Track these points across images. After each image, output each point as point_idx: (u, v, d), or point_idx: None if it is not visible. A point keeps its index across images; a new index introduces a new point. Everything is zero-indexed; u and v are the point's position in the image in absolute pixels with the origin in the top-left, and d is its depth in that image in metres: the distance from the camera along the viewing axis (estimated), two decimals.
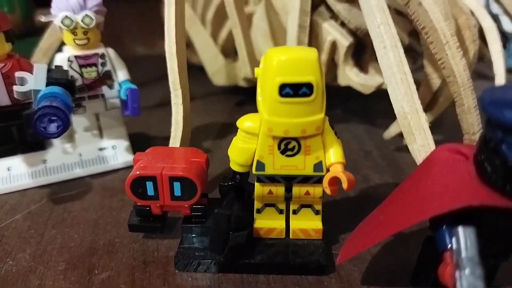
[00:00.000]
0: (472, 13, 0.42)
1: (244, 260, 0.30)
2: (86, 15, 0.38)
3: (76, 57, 0.40)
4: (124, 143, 0.43)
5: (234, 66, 0.55)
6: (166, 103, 0.42)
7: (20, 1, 0.66)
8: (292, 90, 0.26)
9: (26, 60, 0.39)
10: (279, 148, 0.28)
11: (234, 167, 0.30)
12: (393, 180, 0.41)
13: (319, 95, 0.27)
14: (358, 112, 0.56)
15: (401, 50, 0.31)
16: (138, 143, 0.45)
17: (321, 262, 0.29)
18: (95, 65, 0.40)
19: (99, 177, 0.42)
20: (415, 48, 0.47)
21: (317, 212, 0.31)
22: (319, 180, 0.29)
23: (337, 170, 0.28)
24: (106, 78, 0.41)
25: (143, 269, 0.30)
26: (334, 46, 0.45)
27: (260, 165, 0.29)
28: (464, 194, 0.22)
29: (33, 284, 0.29)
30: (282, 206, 0.31)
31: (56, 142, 0.42)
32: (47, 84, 0.34)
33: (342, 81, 0.46)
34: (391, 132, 0.45)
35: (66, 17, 0.38)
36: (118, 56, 0.42)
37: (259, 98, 0.28)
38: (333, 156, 0.29)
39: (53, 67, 0.37)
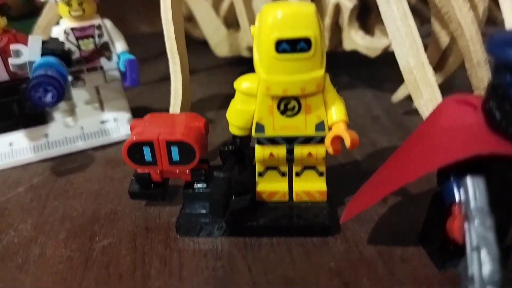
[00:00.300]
0: None
1: (247, 223, 0.29)
2: None
3: (73, 29, 0.39)
4: (125, 115, 0.43)
5: (237, 37, 0.54)
6: (168, 79, 0.41)
7: None
8: (289, 45, 0.25)
9: (22, 34, 0.38)
10: (278, 108, 0.27)
11: (234, 130, 0.29)
12: (401, 143, 0.39)
13: (318, 51, 0.25)
14: (365, 79, 0.54)
15: (405, 3, 0.29)
16: (140, 115, 0.43)
17: (326, 223, 0.29)
18: (92, 36, 0.40)
19: (101, 150, 0.41)
20: (422, 11, 0.45)
21: (320, 174, 0.30)
22: (321, 141, 0.28)
23: (340, 129, 0.27)
24: (104, 49, 0.40)
25: (145, 235, 0.30)
26: (337, 9, 0.43)
27: (260, 127, 0.28)
28: (472, 143, 0.21)
29: (34, 253, 0.29)
30: (285, 168, 0.30)
31: (57, 116, 0.42)
32: (42, 55, 0.34)
33: (347, 45, 0.45)
34: (399, 95, 0.43)
35: None
36: (115, 27, 0.41)
37: (255, 56, 0.27)
38: (335, 114, 0.28)
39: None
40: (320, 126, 0.28)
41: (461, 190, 0.22)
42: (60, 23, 0.40)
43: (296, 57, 0.25)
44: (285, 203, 0.31)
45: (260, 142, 0.29)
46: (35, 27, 0.50)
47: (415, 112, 0.44)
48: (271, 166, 0.30)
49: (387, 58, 0.44)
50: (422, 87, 0.28)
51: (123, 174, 0.37)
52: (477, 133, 0.22)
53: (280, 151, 0.29)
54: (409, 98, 0.44)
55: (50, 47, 0.35)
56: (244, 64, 0.59)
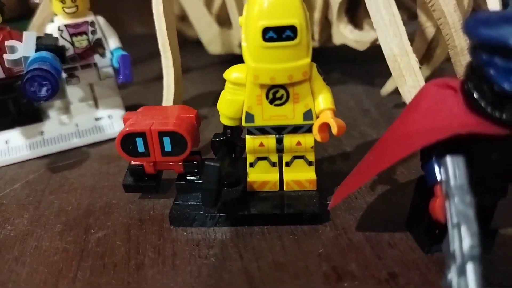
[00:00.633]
0: None
1: (238, 213, 0.30)
2: None
3: (66, 26, 0.40)
4: (119, 112, 0.44)
5: (229, 34, 0.54)
6: (161, 78, 0.42)
7: None
8: (276, 34, 0.26)
9: (17, 32, 0.39)
10: (267, 97, 0.28)
11: (224, 121, 0.30)
12: None
13: (303, 39, 0.26)
14: (357, 74, 0.55)
15: None
16: None
17: (315, 211, 0.29)
18: (86, 33, 0.40)
19: (96, 146, 0.42)
20: (410, 8, 0.46)
21: (310, 163, 0.31)
22: (310, 129, 0.29)
23: (327, 117, 0.28)
24: (97, 46, 0.41)
25: (139, 227, 0.30)
26: (326, 3, 0.44)
27: (250, 117, 0.29)
28: (452, 123, 0.22)
29: (30, 246, 0.29)
30: (275, 158, 0.31)
31: (52, 114, 0.42)
32: (37, 51, 0.35)
33: (337, 40, 0.46)
34: (387, 88, 0.44)
35: None
36: (108, 24, 0.41)
37: (243, 44, 0.27)
38: (322, 102, 0.28)
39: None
40: (308, 114, 0.29)
41: (442, 169, 0.22)
42: (54, 20, 0.41)
43: (282, 45, 0.26)
44: (275, 193, 0.31)
45: (250, 132, 0.30)
46: (30, 26, 0.51)
47: (404, 104, 0.45)
48: (261, 157, 0.31)
49: (378, 53, 0.45)
50: (406, 74, 0.29)
51: (118, 169, 0.38)
52: (457, 113, 0.22)
53: (270, 140, 0.30)
54: (398, 92, 0.45)
55: (44, 43, 0.36)
56: (237, 62, 0.59)
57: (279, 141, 0.30)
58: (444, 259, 0.21)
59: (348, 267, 0.26)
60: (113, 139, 0.42)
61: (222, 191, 0.30)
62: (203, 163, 0.31)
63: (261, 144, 0.30)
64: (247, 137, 0.30)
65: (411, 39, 0.32)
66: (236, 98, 0.29)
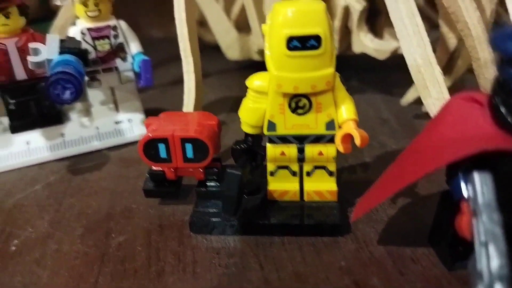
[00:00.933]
0: None
1: (258, 222, 0.29)
2: None
3: (89, 29, 0.40)
4: (139, 116, 0.44)
5: (248, 40, 0.54)
6: (180, 82, 0.42)
7: None
8: (300, 43, 0.26)
9: (39, 34, 0.39)
10: (289, 106, 0.28)
11: (245, 128, 0.30)
12: None
13: (327, 48, 0.26)
14: (375, 83, 0.55)
15: (413, 2, 0.30)
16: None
17: (336, 222, 0.29)
18: (108, 37, 0.40)
19: (116, 149, 0.42)
20: (430, 16, 0.45)
21: (331, 174, 0.31)
22: (332, 140, 0.29)
23: (350, 127, 0.28)
24: (119, 50, 0.41)
25: (159, 232, 0.30)
26: (347, 11, 0.44)
27: (271, 125, 0.29)
28: (479, 139, 0.22)
29: (50, 248, 0.30)
30: (296, 168, 0.31)
31: (73, 116, 0.43)
32: (60, 54, 0.35)
33: (356, 48, 0.46)
34: (408, 97, 0.44)
35: None
36: (130, 28, 0.42)
37: (267, 53, 0.27)
38: (345, 113, 0.28)
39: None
40: (331, 124, 0.28)
41: (469, 186, 0.22)
42: (76, 24, 0.41)
43: (306, 54, 0.26)
44: (296, 203, 0.31)
45: (271, 140, 0.30)
46: (52, 28, 0.52)
47: (424, 115, 0.44)
48: (282, 166, 0.31)
49: (397, 62, 0.45)
50: (430, 86, 0.29)
51: (137, 173, 0.38)
52: (484, 129, 0.22)
53: (291, 150, 0.30)
54: (418, 102, 0.44)
55: (68, 46, 0.36)
56: (255, 68, 0.59)
57: (301, 151, 0.30)
58: (469, 277, 0.21)
59: (370, 281, 0.25)
60: (132, 143, 0.43)
61: (242, 199, 0.30)
62: (224, 170, 0.31)
63: (282, 153, 0.30)
64: (268, 145, 0.30)
65: (432, 49, 0.32)
66: (258, 106, 0.29)
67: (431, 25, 0.47)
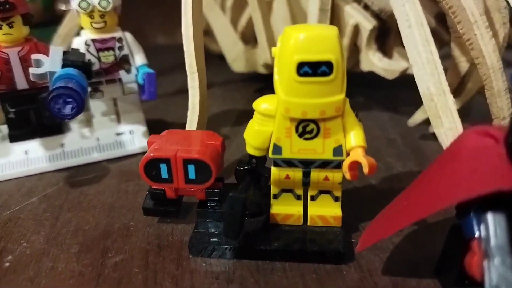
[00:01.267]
0: None
1: (260, 247, 0.29)
2: None
3: (94, 40, 0.39)
4: (141, 128, 0.43)
5: (254, 53, 0.54)
6: (184, 91, 0.41)
7: None
8: (311, 68, 0.25)
9: (43, 44, 0.39)
10: (296, 130, 0.27)
11: (250, 150, 0.29)
12: (417, 168, 0.39)
13: (339, 75, 0.25)
14: (382, 100, 0.54)
15: (427, 29, 0.29)
16: (155, 128, 0.44)
17: (340, 250, 0.28)
18: (112, 49, 0.40)
19: (116, 162, 0.41)
20: (441, 34, 0.45)
21: (336, 199, 0.30)
22: (338, 165, 0.28)
23: (358, 154, 0.27)
24: (123, 62, 0.41)
25: (157, 253, 0.30)
26: (356, 29, 0.43)
27: (277, 149, 0.28)
28: (493, 178, 0.21)
29: (45, 266, 0.29)
30: (300, 192, 0.30)
31: (74, 126, 0.42)
32: (63, 66, 0.34)
33: (365, 66, 0.45)
34: (416, 119, 0.43)
35: (83, 0, 0.37)
36: (135, 40, 0.41)
37: (276, 77, 0.27)
38: (354, 139, 0.27)
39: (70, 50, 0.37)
40: (338, 150, 0.28)
41: (482, 226, 0.21)
42: (81, 34, 0.41)
43: (317, 80, 0.25)
44: (298, 227, 0.30)
45: (276, 163, 0.29)
46: (56, 36, 0.51)
47: (432, 136, 0.43)
48: (286, 189, 0.30)
49: (405, 80, 0.44)
50: (442, 115, 0.28)
51: (137, 188, 0.37)
52: (499, 167, 0.21)
53: (297, 173, 0.29)
54: (425, 122, 0.44)
55: (71, 58, 0.35)
56: (260, 81, 0.59)
57: (306, 175, 0.29)
58: None
59: None
60: (133, 155, 0.42)
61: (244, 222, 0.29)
62: (225, 190, 0.31)
63: (287, 177, 0.29)
64: (273, 168, 0.29)
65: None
66: (264, 129, 0.28)
67: (442, 44, 0.47)
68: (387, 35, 0.44)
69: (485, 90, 0.32)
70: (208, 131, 0.32)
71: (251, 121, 0.29)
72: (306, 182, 0.29)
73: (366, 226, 0.32)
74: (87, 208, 0.35)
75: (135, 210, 0.34)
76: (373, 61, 0.43)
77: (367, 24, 0.42)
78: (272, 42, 0.50)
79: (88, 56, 0.39)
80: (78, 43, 0.39)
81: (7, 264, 0.29)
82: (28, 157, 0.40)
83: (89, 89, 0.40)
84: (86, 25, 0.39)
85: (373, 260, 0.29)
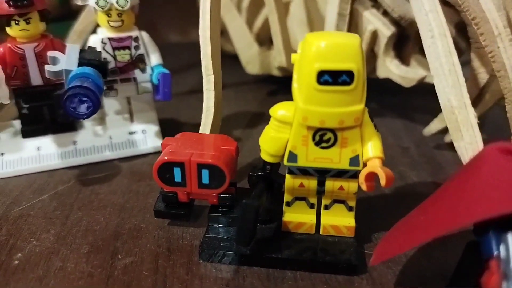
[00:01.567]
0: None
1: (271, 254, 0.28)
2: None
3: (110, 39, 0.39)
4: (154, 128, 0.43)
5: (268, 55, 0.53)
6: (197, 91, 0.41)
7: None
8: (331, 77, 0.25)
9: (59, 40, 0.39)
10: (313, 139, 0.27)
11: (265, 157, 0.29)
12: (431, 178, 0.39)
13: (359, 84, 0.25)
14: (396, 107, 0.53)
15: (450, 40, 0.29)
16: (168, 128, 0.44)
17: (352, 261, 0.28)
18: (129, 48, 0.40)
19: (128, 161, 0.41)
20: (459, 43, 0.44)
21: (350, 209, 0.29)
22: (354, 175, 0.28)
23: (375, 165, 0.26)
24: (138, 61, 0.40)
25: (167, 257, 0.29)
26: (374, 36, 0.43)
27: (292, 156, 0.28)
28: None
29: (55, 265, 0.29)
30: (314, 200, 0.30)
31: (87, 124, 0.42)
32: (79, 65, 0.34)
33: (381, 73, 0.44)
34: (432, 128, 0.42)
35: None
36: (151, 40, 0.41)
37: (295, 85, 0.26)
38: (371, 150, 0.27)
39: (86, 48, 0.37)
40: (355, 160, 0.27)
41: (501, 247, 0.21)
42: (97, 32, 0.40)
43: (337, 89, 0.25)
44: (311, 236, 0.30)
45: (291, 171, 0.29)
46: (71, 32, 0.51)
47: (447, 146, 0.43)
48: (299, 197, 0.30)
49: (419, 87, 0.44)
50: (463, 129, 0.28)
51: (148, 188, 0.37)
52: None
53: (311, 182, 0.29)
54: (441, 132, 0.43)
55: (87, 57, 0.35)
56: (274, 83, 0.59)
57: (321, 184, 0.29)
58: None
59: None
60: (145, 155, 0.42)
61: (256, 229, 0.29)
62: (238, 196, 0.30)
63: (301, 185, 0.29)
64: (287, 176, 0.29)
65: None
66: (280, 136, 0.28)
67: (459, 54, 0.46)
68: (405, 42, 0.44)
69: (506, 104, 0.31)
70: (223, 135, 0.31)
71: (267, 127, 0.28)
72: (320, 191, 0.29)
73: (379, 236, 0.31)
74: (98, 207, 0.34)
75: (146, 212, 0.34)
76: (390, 68, 0.43)
77: (386, 30, 0.41)
78: (287, 45, 0.50)
79: (104, 55, 0.39)
80: (94, 41, 0.39)
81: (17, 262, 0.29)
82: (40, 153, 0.40)
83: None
84: (103, 23, 0.39)
85: (386, 273, 0.28)
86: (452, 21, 0.43)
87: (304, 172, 0.28)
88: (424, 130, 0.43)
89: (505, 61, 0.30)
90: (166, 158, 0.28)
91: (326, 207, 0.30)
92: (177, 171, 0.28)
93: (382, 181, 0.26)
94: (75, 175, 0.39)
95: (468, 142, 0.28)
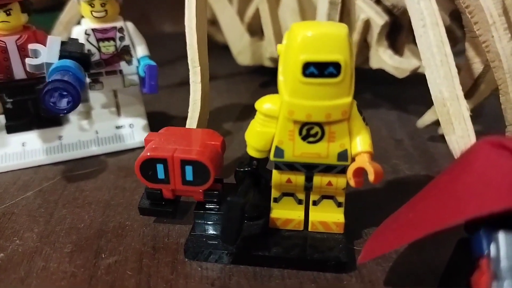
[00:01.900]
0: None
1: (258, 252, 0.28)
2: None
3: (94, 30, 0.38)
4: (141, 122, 0.42)
5: (260, 45, 0.52)
6: (188, 83, 0.40)
7: None
8: (317, 69, 0.24)
9: (42, 32, 0.38)
10: (300, 133, 0.26)
11: (251, 152, 0.28)
12: (424, 171, 0.38)
13: (347, 77, 0.24)
14: (390, 98, 0.52)
15: (443, 29, 0.28)
16: (156, 122, 0.43)
17: (341, 259, 0.27)
18: (113, 39, 0.39)
19: (115, 156, 0.40)
20: (455, 31, 0.43)
21: (339, 204, 0.29)
22: (343, 170, 0.27)
23: (364, 160, 0.26)
24: (124, 53, 0.39)
25: (152, 256, 0.29)
26: (367, 25, 0.41)
27: (279, 152, 0.27)
28: (507, 194, 0.19)
29: (37, 265, 0.28)
30: (302, 196, 0.29)
31: (72, 118, 0.41)
32: (60, 57, 0.33)
33: (374, 63, 0.43)
34: (425, 120, 0.41)
35: None
36: (137, 31, 0.40)
37: (280, 77, 0.25)
38: (360, 144, 0.26)
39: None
40: (343, 155, 0.26)
41: (492, 246, 0.20)
42: (81, 23, 0.39)
43: (323, 82, 0.24)
44: (299, 232, 0.29)
45: (278, 167, 0.28)
46: (57, 23, 0.50)
47: (441, 138, 0.42)
48: (287, 193, 0.29)
49: (414, 77, 0.43)
50: (455, 122, 0.27)
51: (135, 184, 0.36)
52: None
53: (299, 177, 0.28)
54: (435, 123, 0.42)
55: (69, 49, 0.34)
56: (266, 74, 0.57)
57: (309, 179, 0.28)
58: None
59: None
60: (132, 150, 0.41)
61: (242, 226, 0.28)
62: (224, 192, 0.30)
63: (289, 181, 0.28)
64: (274, 171, 0.28)
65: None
66: (266, 130, 0.27)
67: (455, 42, 0.45)
68: (398, 31, 0.42)
69: (500, 95, 0.30)
70: (209, 130, 0.30)
71: (252, 122, 0.28)
72: (308, 187, 0.28)
73: (369, 232, 0.31)
74: (83, 205, 0.34)
75: (132, 209, 0.33)
76: (383, 58, 0.42)
77: (379, 19, 0.40)
78: (279, 35, 0.48)
79: (88, 46, 0.38)
80: (77, 33, 0.38)
81: None
82: (25, 149, 0.39)
83: (88, 80, 0.39)
84: (87, 14, 0.38)
85: (376, 270, 0.27)
86: (448, 9, 0.42)
87: (291, 167, 0.27)
88: (418, 122, 0.42)
89: (500, 51, 0.29)
90: (148, 154, 0.27)
91: (315, 203, 0.29)
92: (160, 168, 0.27)
93: (371, 177, 0.25)
94: (61, 171, 0.38)
95: (460, 135, 0.27)
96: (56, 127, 0.40)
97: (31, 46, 0.34)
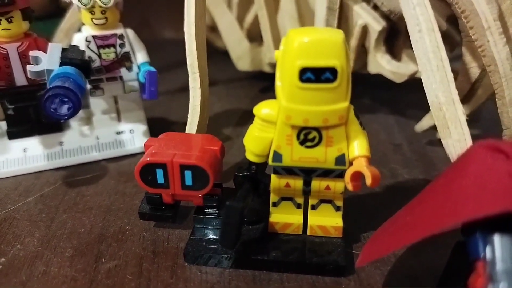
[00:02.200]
0: None
1: (257, 256, 0.28)
2: None
3: (94, 37, 0.38)
4: (142, 127, 0.42)
5: (259, 51, 0.53)
6: (187, 89, 0.41)
7: None
8: (314, 75, 0.24)
9: (43, 39, 0.38)
10: (298, 138, 0.26)
11: (250, 157, 0.28)
12: (423, 176, 0.38)
13: (343, 82, 0.24)
14: (388, 102, 0.53)
15: (438, 34, 0.28)
16: (156, 128, 0.43)
17: (340, 262, 0.27)
18: (114, 46, 0.39)
19: (115, 161, 0.41)
20: (453, 36, 0.43)
21: (337, 209, 0.29)
22: (341, 174, 0.27)
23: (361, 164, 0.26)
24: (124, 60, 0.40)
25: (152, 260, 0.29)
26: (365, 30, 0.42)
27: (277, 156, 0.27)
28: (503, 197, 0.20)
29: (38, 270, 0.28)
30: (300, 200, 0.29)
31: (73, 124, 0.41)
32: (61, 64, 0.33)
33: (372, 68, 0.44)
34: (423, 124, 0.42)
35: None
36: (137, 38, 0.40)
37: (278, 83, 0.26)
38: (357, 149, 0.26)
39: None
40: (341, 159, 0.27)
41: (488, 248, 0.20)
42: (82, 30, 0.40)
43: (320, 87, 0.24)
44: (298, 236, 0.29)
45: (276, 171, 0.28)
46: (58, 30, 0.50)
47: (439, 143, 0.42)
48: (286, 197, 0.29)
49: (412, 82, 0.43)
50: (451, 126, 0.27)
51: (135, 189, 0.36)
52: (509, 186, 0.20)
53: (297, 182, 0.28)
54: (433, 128, 0.42)
55: (70, 56, 0.34)
56: (265, 79, 0.58)
57: (307, 184, 0.28)
58: None
59: None
60: (133, 155, 0.41)
61: (242, 230, 0.29)
62: (224, 196, 0.30)
63: (287, 185, 0.28)
64: (273, 176, 0.28)
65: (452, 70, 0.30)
66: (264, 135, 0.27)
67: (453, 47, 0.45)
68: (396, 37, 0.43)
69: (496, 100, 0.31)
70: (208, 135, 0.31)
71: (251, 127, 0.28)
72: (306, 191, 0.28)
73: (368, 236, 0.31)
74: (83, 210, 0.34)
75: (132, 213, 0.33)
76: (381, 63, 0.42)
77: (376, 25, 0.41)
78: (278, 41, 0.49)
79: (88, 53, 0.38)
80: (78, 40, 0.38)
81: (0, 267, 0.28)
82: (27, 155, 0.39)
83: (89, 86, 0.40)
84: (87, 21, 0.38)
85: (374, 273, 0.28)
86: (445, 14, 0.42)
87: (290, 172, 0.28)
88: (416, 127, 0.43)
89: (495, 55, 0.29)
90: (148, 159, 0.28)
91: (313, 207, 0.29)
92: (159, 173, 0.28)
93: (368, 181, 0.25)
94: (62, 177, 0.38)
95: (457, 139, 0.27)
96: (57, 133, 0.40)
97: (32, 53, 0.34)
